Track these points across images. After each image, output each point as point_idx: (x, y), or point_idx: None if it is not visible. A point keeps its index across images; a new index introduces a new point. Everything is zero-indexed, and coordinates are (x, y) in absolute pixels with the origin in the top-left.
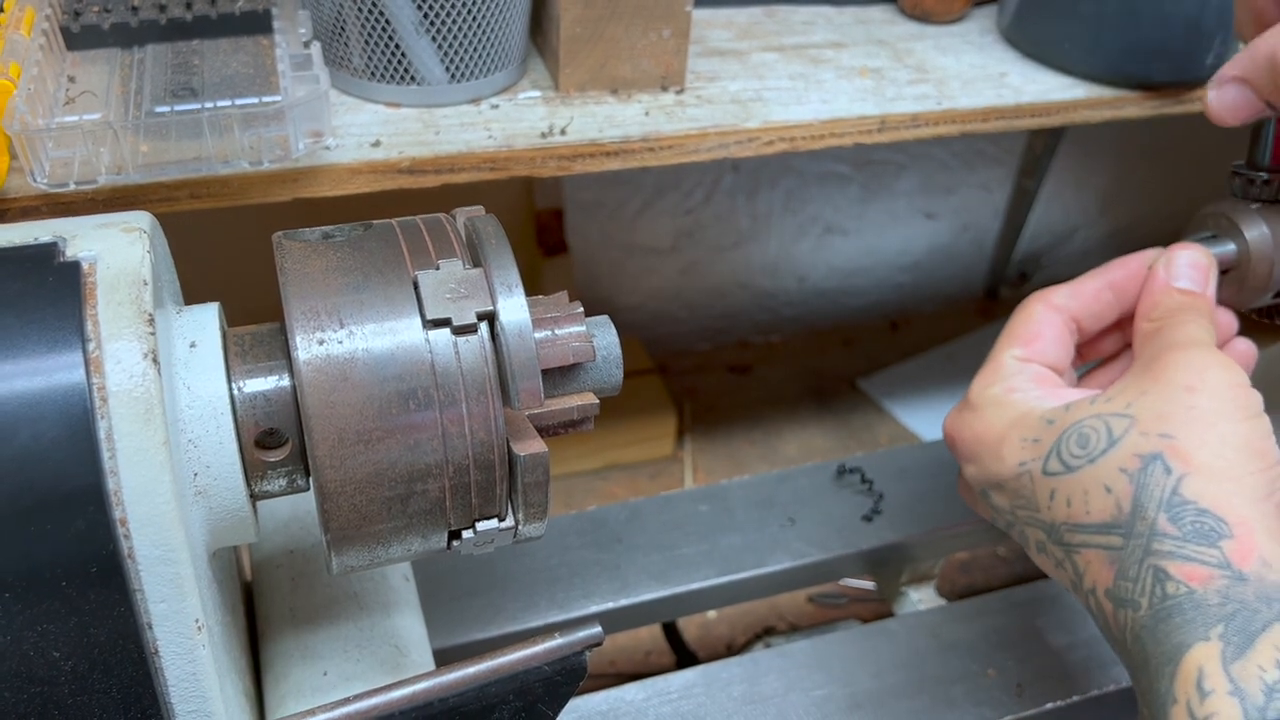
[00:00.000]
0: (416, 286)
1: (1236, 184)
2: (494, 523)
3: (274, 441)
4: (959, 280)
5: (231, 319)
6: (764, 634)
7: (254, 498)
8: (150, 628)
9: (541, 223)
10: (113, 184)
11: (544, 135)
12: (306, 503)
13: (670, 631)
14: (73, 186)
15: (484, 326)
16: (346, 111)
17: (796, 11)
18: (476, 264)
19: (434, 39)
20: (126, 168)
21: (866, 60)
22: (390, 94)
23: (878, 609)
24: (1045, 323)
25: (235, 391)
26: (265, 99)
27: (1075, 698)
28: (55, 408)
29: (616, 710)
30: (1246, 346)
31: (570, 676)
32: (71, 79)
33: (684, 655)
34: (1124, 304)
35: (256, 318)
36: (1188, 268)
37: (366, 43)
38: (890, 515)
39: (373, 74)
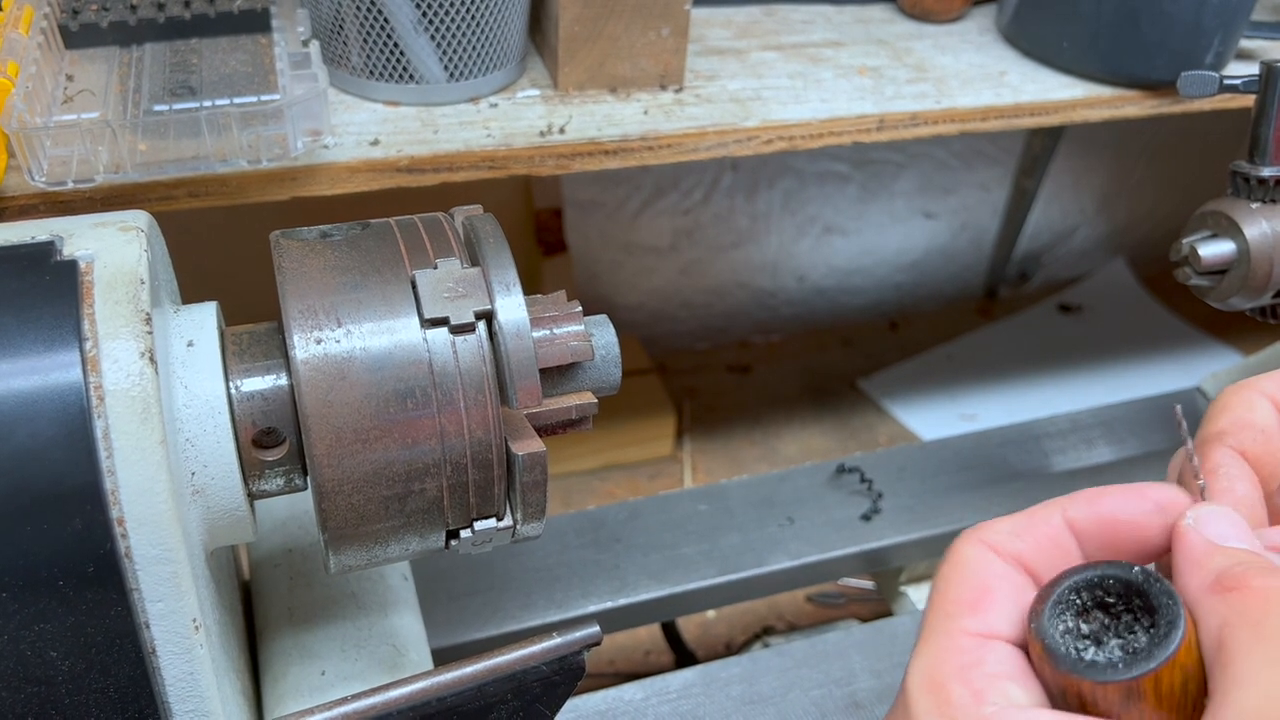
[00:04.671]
0: (414, 285)
1: (1236, 183)
2: (492, 522)
3: (271, 440)
4: (958, 280)
5: (229, 318)
6: (763, 633)
7: (251, 497)
8: (147, 627)
9: (540, 222)
10: (111, 182)
11: (543, 134)
12: (304, 502)
13: (669, 631)
14: (71, 185)
15: (482, 326)
16: (345, 110)
17: (796, 10)
18: (474, 263)
19: (433, 38)
20: (125, 166)
21: (865, 59)
22: (389, 92)
23: (877, 608)
24: (993, 574)
25: (233, 390)
26: (264, 97)
27: None
28: (52, 407)
29: (615, 710)
30: None
31: (569, 676)
32: (70, 77)
33: (683, 655)
34: (1089, 551)
35: (254, 317)
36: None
37: (365, 41)
38: (889, 515)
39: (371, 73)
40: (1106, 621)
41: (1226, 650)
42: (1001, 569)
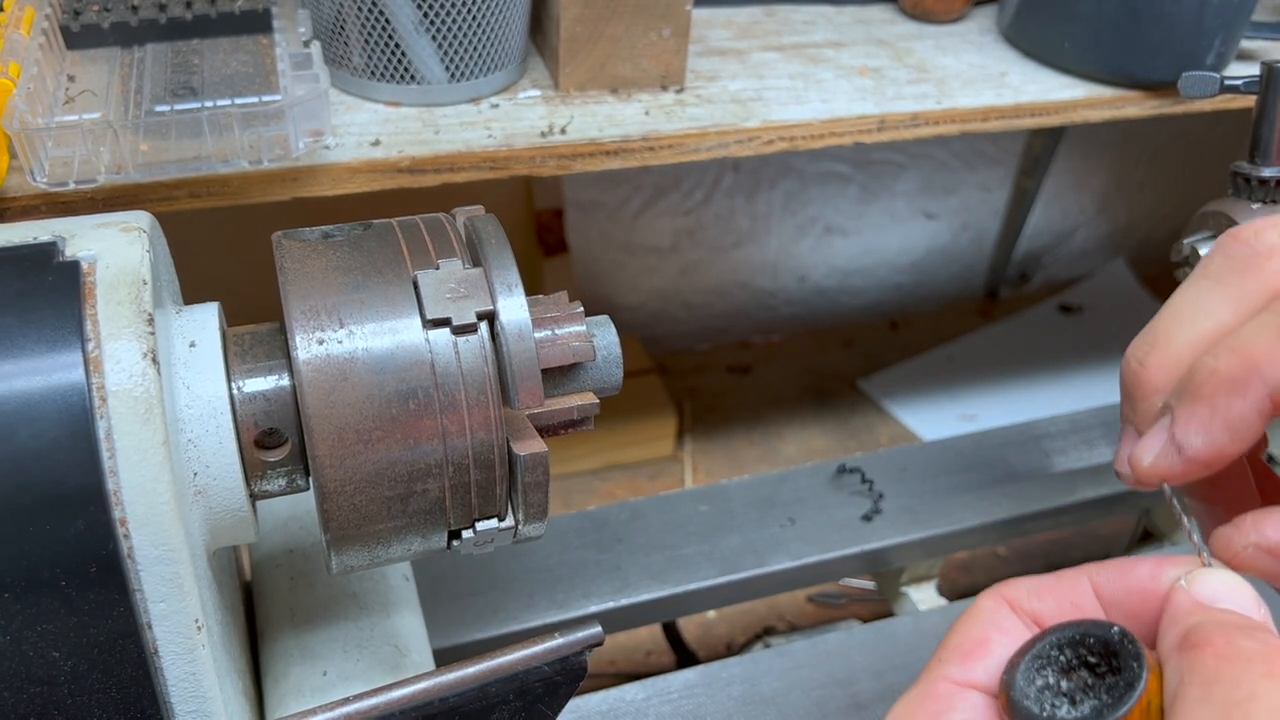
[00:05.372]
0: (416, 286)
1: (1237, 184)
2: (494, 522)
3: (273, 441)
4: (959, 280)
5: (231, 319)
6: (764, 634)
7: (253, 497)
8: (150, 627)
9: (541, 222)
10: (112, 183)
11: (544, 134)
12: (306, 502)
13: (670, 631)
14: (72, 186)
15: (484, 326)
16: (346, 111)
17: (796, 11)
18: (476, 264)
19: (434, 38)
20: (126, 167)
21: (866, 60)
22: (390, 93)
23: (878, 609)
24: (996, 626)
25: (235, 391)
26: (265, 98)
27: None
28: (55, 407)
29: (616, 710)
30: None
31: (570, 676)
32: (71, 78)
33: (684, 655)
34: (1114, 620)
35: (256, 317)
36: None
37: (366, 42)
38: (890, 515)
39: (372, 73)
40: (1090, 681)
41: (1175, 711)
42: (1010, 623)
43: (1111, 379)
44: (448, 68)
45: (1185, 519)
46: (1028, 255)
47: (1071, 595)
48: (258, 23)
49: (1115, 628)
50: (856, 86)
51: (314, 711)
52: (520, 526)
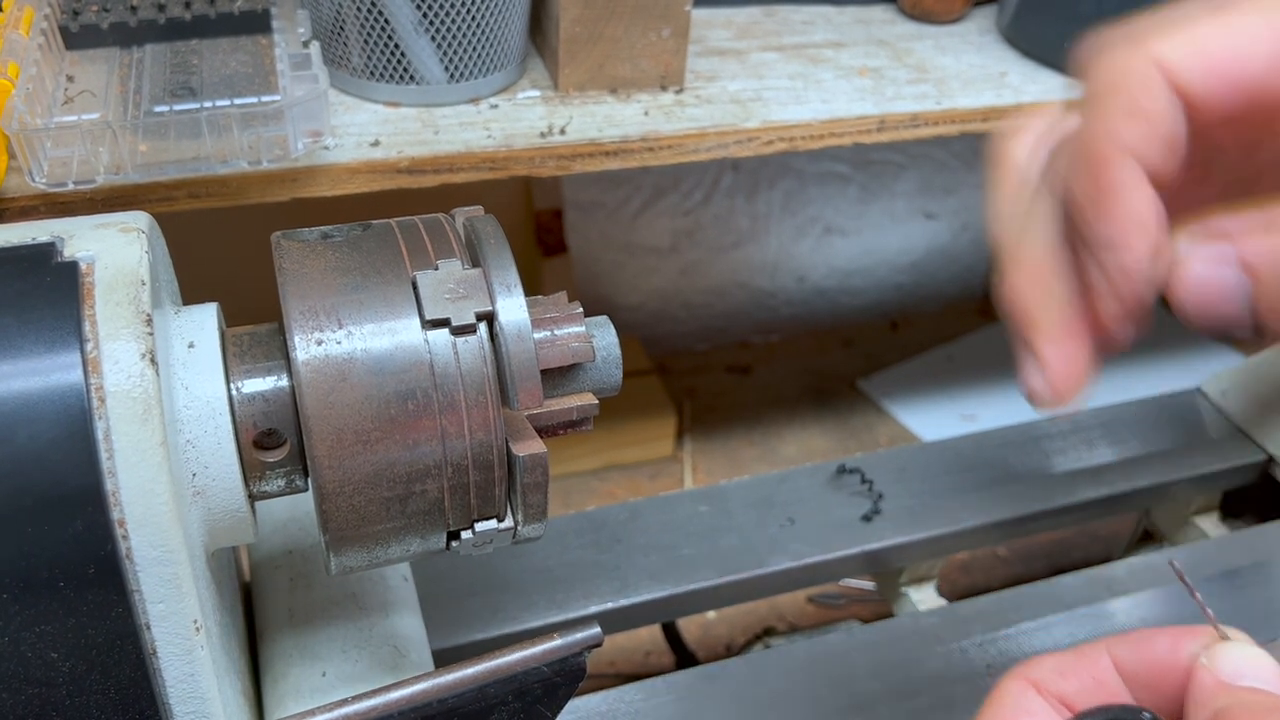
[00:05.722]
0: (415, 287)
1: None
2: (493, 523)
3: (272, 442)
4: (959, 280)
5: (230, 319)
6: (764, 634)
7: (252, 498)
8: (148, 628)
9: (541, 223)
10: (111, 184)
11: (543, 135)
12: (305, 503)
13: (670, 632)
14: (71, 186)
15: (483, 327)
16: (345, 111)
17: (796, 11)
18: (475, 264)
19: (433, 38)
20: (125, 167)
21: (866, 60)
22: (389, 93)
23: (878, 609)
24: (1024, 711)
25: (234, 392)
26: (264, 98)
27: None
28: (53, 408)
29: (616, 711)
30: None
31: (569, 677)
32: (70, 78)
33: (684, 656)
34: (1137, 694)
35: (255, 318)
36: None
37: (366, 42)
38: (890, 515)
39: (372, 73)
40: None
41: None
42: (1037, 706)
43: (1111, 379)
44: (447, 68)
45: (1196, 594)
46: None
47: (1094, 671)
48: (257, 23)
49: (1146, 713)
50: (856, 87)
51: (313, 712)
52: (519, 527)
